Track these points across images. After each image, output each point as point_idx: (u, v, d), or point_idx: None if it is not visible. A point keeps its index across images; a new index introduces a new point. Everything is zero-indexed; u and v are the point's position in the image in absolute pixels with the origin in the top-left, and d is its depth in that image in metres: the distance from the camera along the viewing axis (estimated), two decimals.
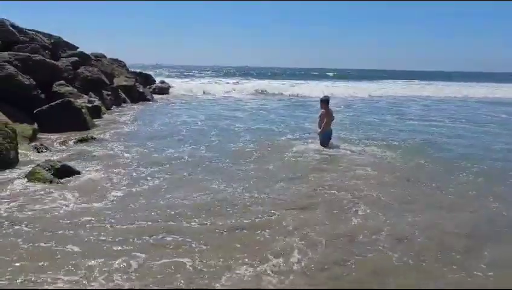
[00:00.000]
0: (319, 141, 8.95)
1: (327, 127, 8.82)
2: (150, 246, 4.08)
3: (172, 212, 4.97)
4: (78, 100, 11.84)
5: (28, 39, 14.57)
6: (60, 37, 18.45)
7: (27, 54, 12.41)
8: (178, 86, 28.55)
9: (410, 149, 9.25)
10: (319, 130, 8.90)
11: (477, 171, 7.29)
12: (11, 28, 13.83)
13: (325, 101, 8.99)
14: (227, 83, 35.17)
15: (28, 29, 15.60)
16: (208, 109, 17.23)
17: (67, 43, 19.54)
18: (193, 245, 4.10)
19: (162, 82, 27.90)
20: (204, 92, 26.74)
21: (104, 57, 23.73)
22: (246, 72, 61.01)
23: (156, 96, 22.82)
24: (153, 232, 4.38)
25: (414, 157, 8.31)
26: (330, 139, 8.93)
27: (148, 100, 20.97)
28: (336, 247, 4.15)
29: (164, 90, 25.92)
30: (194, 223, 4.66)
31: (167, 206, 5.20)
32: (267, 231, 4.50)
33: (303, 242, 4.22)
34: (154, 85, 26.41)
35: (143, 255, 3.85)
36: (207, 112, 15.81)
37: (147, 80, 26.55)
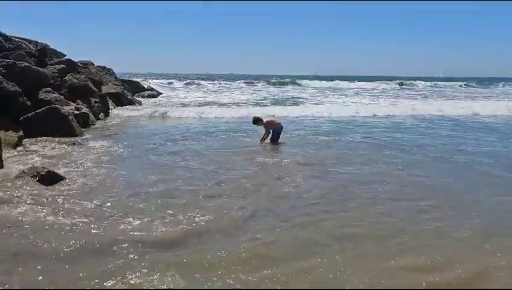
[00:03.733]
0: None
1: (274, 125, 9.84)
2: None
3: None
4: (65, 107, 11.67)
5: (13, 46, 14.40)
6: (46, 44, 18.28)
7: (12, 60, 12.24)
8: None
9: None
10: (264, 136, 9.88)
11: None
12: None
13: (256, 121, 9.93)
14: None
15: (14, 37, 15.44)
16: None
17: (54, 50, 19.38)
18: None
19: (151, 89, 27.80)
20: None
21: (92, 64, 23.57)
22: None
23: (144, 102, 22.67)
24: None
25: None
26: (279, 135, 9.85)
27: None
28: None
29: (154, 97, 25.80)
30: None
31: None
32: None
33: None
34: (144, 92, 26.29)
35: None
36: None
37: (135, 87, 26.44)
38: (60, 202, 5.33)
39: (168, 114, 16.71)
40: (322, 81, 55.51)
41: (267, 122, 9.97)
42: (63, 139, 9.70)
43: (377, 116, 17.26)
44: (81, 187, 6.02)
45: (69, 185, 6.10)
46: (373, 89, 45.18)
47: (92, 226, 4.57)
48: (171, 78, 56.61)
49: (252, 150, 9.30)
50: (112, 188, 6.05)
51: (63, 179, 6.24)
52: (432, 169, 7.66)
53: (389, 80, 59.82)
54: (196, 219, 4.80)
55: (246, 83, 49.24)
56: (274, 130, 9.91)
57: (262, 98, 28.13)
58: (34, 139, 9.63)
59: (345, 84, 52.98)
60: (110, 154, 8.43)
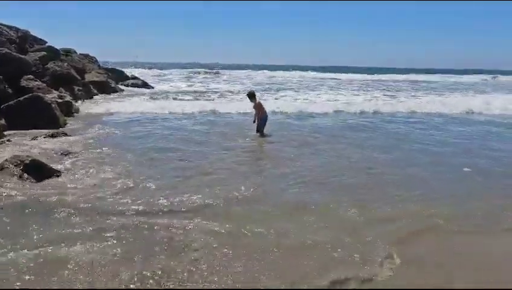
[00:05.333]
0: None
1: (262, 114, 9.88)
2: None
3: None
4: (47, 95, 11.41)
5: None
6: (27, 31, 17.80)
7: None
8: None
9: None
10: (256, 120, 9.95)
11: None
12: None
13: (251, 96, 10.06)
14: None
15: None
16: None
17: (35, 37, 18.90)
18: None
19: (135, 78, 27.36)
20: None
21: (75, 52, 23.08)
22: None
23: (128, 91, 22.32)
24: None
25: None
26: (265, 124, 9.89)
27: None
28: None
29: (138, 86, 25.36)
30: None
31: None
32: None
33: None
34: (127, 81, 25.81)
35: None
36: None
37: (119, 75, 25.97)
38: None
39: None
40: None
41: (259, 103, 10.04)
42: (46, 129, 9.47)
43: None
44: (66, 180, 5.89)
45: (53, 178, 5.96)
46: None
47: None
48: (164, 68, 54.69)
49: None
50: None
51: (50, 170, 6.05)
52: None
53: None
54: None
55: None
56: (262, 118, 9.89)
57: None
58: (16, 129, 9.40)
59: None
60: (98, 146, 8.29)
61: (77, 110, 13.03)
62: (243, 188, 5.65)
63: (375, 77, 50.16)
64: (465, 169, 6.99)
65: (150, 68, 52.30)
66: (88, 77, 19.83)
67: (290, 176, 6.37)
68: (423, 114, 15.15)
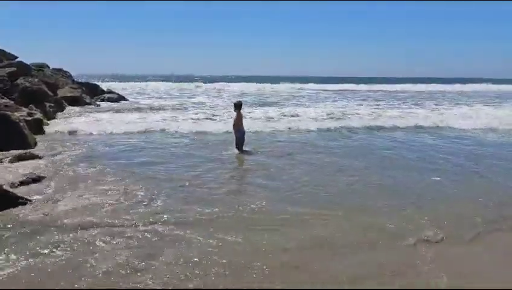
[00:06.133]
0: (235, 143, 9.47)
1: (240, 126, 9.45)
2: None
3: None
4: (15, 113, 10.74)
5: None
6: None
7: None
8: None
9: None
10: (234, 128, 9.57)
11: None
12: None
13: (236, 105, 9.63)
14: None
15: None
16: None
17: (3, 51, 18.14)
18: None
19: (110, 92, 26.62)
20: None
21: (47, 67, 22.34)
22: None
23: (104, 105, 21.63)
24: None
25: None
26: (244, 139, 9.50)
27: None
28: None
29: (113, 100, 24.64)
30: None
31: None
32: None
33: None
34: (103, 95, 25.05)
35: None
36: None
37: (94, 90, 25.21)
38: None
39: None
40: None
41: (239, 115, 9.55)
42: (14, 150, 8.85)
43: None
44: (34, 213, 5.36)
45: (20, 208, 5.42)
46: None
47: None
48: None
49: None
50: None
51: (16, 199, 5.51)
52: None
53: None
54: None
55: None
56: (240, 132, 9.48)
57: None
58: None
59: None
60: (71, 169, 7.74)
61: (49, 128, 12.36)
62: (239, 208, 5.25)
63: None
64: None
65: (127, 81, 51.49)
66: (61, 93, 19.11)
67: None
68: None
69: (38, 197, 5.79)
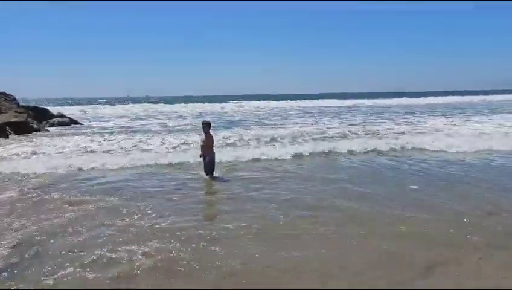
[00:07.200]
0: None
1: (210, 147, 8.54)
2: None
3: None
4: None
5: None
6: None
7: None
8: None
9: None
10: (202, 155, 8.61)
11: None
12: None
13: (207, 125, 8.59)
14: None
15: None
16: None
17: None
18: None
19: (62, 116, 24.52)
20: None
21: None
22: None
23: (53, 131, 19.62)
24: None
25: None
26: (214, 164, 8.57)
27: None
28: None
29: (66, 124, 22.62)
30: None
31: None
32: None
33: None
34: (53, 120, 22.92)
35: None
36: None
37: (42, 114, 23.02)
38: None
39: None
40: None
41: (209, 136, 8.56)
42: None
43: None
44: None
45: None
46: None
47: None
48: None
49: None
50: None
51: None
52: None
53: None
54: None
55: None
56: (210, 156, 8.50)
57: None
58: None
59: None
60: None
61: None
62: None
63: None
64: None
65: (80, 104, 49.06)
66: (3, 118, 17.09)
67: None
68: None
69: None
